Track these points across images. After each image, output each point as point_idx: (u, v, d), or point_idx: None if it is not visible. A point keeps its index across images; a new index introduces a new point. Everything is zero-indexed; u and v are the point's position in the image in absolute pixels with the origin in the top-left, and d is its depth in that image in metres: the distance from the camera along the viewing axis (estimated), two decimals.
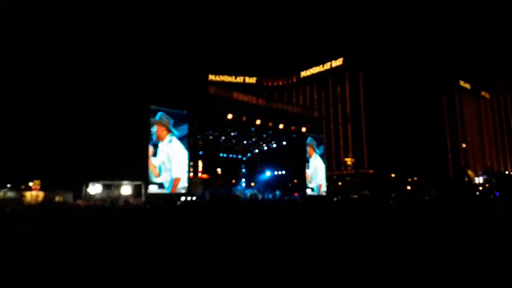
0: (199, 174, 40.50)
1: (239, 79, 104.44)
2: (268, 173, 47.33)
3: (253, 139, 43.33)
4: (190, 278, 5.91)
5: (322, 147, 43.93)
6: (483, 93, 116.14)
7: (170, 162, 28.84)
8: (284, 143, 42.71)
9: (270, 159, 46.19)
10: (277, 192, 40.63)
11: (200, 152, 40.44)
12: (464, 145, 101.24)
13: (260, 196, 38.68)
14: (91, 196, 28.53)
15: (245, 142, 44.23)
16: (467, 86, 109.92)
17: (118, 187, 29.89)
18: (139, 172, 28.23)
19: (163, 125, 28.96)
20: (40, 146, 40.37)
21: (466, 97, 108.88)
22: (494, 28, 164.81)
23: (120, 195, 29.03)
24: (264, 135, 41.46)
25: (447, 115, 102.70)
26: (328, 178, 51.24)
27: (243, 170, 48.97)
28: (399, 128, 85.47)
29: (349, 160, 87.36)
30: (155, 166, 27.91)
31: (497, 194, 41.48)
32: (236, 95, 34.88)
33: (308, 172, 41.00)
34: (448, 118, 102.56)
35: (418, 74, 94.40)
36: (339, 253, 7.20)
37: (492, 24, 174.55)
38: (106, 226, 10.62)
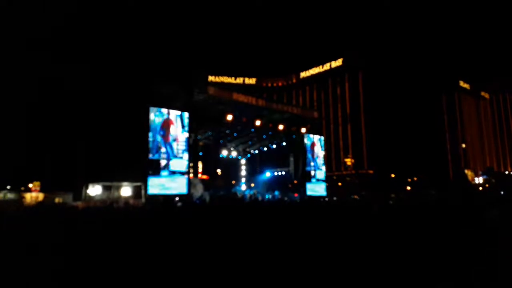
0: (199, 175, 40.48)
1: (239, 80, 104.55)
2: (268, 174, 47.36)
3: (253, 140, 43.36)
4: (190, 278, 5.90)
5: (322, 148, 43.93)
6: (482, 93, 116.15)
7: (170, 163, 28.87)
8: (284, 143, 42.76)
9: (270, 159, 46.23)
10: (276, 193, 40.64)
11: (200, 153, 40.45)
12: (464, 145, 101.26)
13: (259, 197, 38.65)
14: (91, 198, 28.53)
15: (244, 142, 44.25)
16: (467, 86, 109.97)
17: (118, 188, 29.90)
18: (139, 173, 28.25)
19: (163, 125, 28.97)
20: (40, 148, 40.40)
21: (466, 97, 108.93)
22: (494, 28, 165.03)
23: (120, 196, 29.03)
24: (264, 136, 41.47)
25: (446, 115, 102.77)
26: (328, 179, 51.25)
27: (243, 171, 49.00)
28: (398, 129, 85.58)
29: (349, 161, 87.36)
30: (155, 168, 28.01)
31: (504, 193, 41.31)
32: (236, 96, 34.84)
33: (308, 172, 41.05)
34: (448, 118, 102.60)
35: (417, 75, 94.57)
36: (340, 255, 7.19)
37: (491, 24, 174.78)
38: (107, 226, 10.60)
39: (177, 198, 28.11)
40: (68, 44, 59.75)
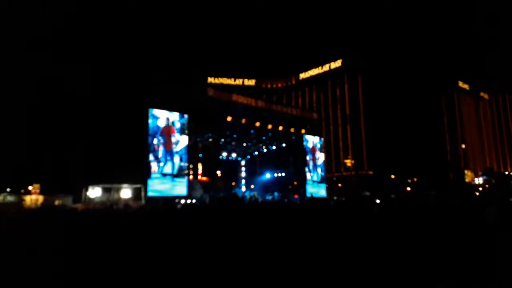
0: (199, 177, 40.47)
1: (238, 81, 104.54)
2: (267, 175, 47.37)
3: (253, 141, 43.36)
4: (191, 279, 5.90)
5: (321, 149, 43.97)
6: (482, 94, 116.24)
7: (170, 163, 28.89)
8: (284, 145, 42.77)
9: (269, 161, 46.25)
10: (276, 194, 40.63)
11: (200, 155, 40.45)
12: (463, 146, 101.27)
13: (259, 198, 38.63)
14: (90, 200, 28.54)
15: (244, 144, 44.26)
16: (466, 86, 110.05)
17: (118, 190, 29.91)
18: (139, 175, 28.26)
19: (163, 127, 29.01)
20: (39, 150, 40.38)
21: (465, 97, 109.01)
22: (493, 28, 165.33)
23: (119, 198, 29.02)
24: (264, 137, 41.52)
25: (446, 116, 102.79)
26: (328, 180, 51.24)
27: (243, 173, 49.00)
28: (398, 129, 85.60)
29: (348, 162, 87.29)
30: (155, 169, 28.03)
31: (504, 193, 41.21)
32: (235, 97, 34.91)
33: (308, 173, 41.06)
34: (447, 119, 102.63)
35: (417, 75, 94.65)
36: (340, 255, 7.19)
37: (491, 24, 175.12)
38: (106, 228, 10.59)
39: (177, 200, 28.13)
40: (68, 44, 59.66)
